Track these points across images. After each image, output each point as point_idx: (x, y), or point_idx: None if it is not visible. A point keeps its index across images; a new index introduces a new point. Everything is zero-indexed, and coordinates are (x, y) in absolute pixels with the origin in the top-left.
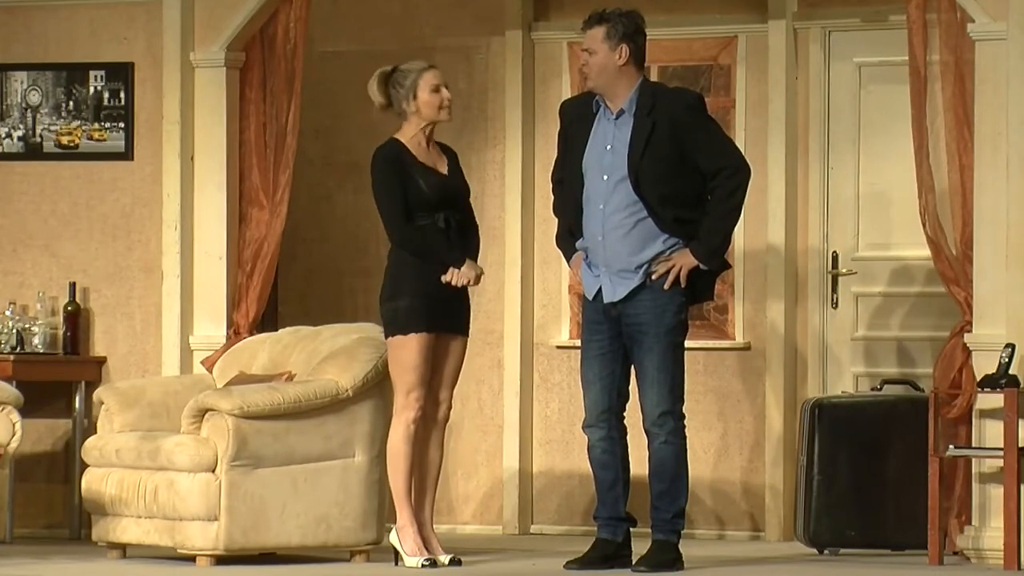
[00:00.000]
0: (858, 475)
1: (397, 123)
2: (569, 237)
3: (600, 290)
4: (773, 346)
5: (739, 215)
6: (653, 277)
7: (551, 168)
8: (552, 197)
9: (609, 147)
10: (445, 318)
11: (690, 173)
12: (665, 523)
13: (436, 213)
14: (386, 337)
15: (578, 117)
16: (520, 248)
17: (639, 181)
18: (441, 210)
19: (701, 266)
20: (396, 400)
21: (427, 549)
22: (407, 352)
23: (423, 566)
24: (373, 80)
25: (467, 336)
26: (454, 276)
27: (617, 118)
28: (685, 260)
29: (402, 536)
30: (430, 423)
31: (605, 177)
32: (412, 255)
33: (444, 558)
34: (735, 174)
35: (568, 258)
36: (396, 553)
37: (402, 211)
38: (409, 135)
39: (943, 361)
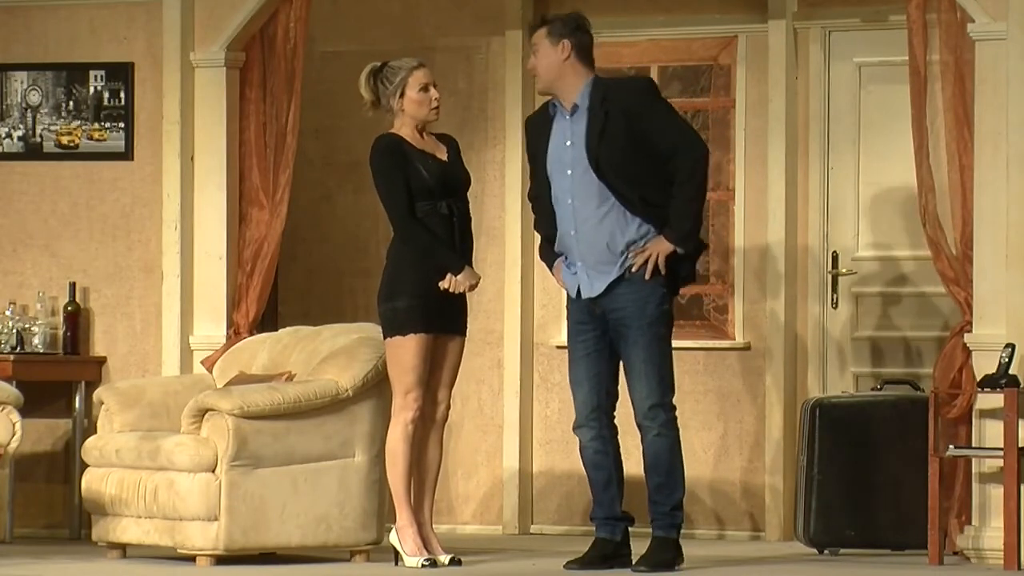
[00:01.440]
0: (858, 475)
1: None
2: (549, 247)
3: (580, 288)
4: (773, 346)
5: (704, 194)
6: (633, 270)
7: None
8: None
9: (569, 143)
10: (443, 318)
11: (649, 158)
12: (664, 516)
13: (439, 201)
14: (384, 338)
15: (539, 127)
16: (520, 248)
17: (600, 168)
18: (443, 197)
19: (677, 250)
20: (394, 400)
21: (427, 549)
22: (406, 353)
23: (423, 566)
24: (362, 75)
25: (465, 336)
26: (452, 284)
27: (572, 115)
28: (660, 247)
29: (402, 536)
30: (429, 423)
31: (569, 172)
32: (414, 251)
33: (444, 558)
34: (690, 152)
35: (551, 268)
36: (396, 553)
37: (406, 204)
38: (404, 130)
39: (943, 361)
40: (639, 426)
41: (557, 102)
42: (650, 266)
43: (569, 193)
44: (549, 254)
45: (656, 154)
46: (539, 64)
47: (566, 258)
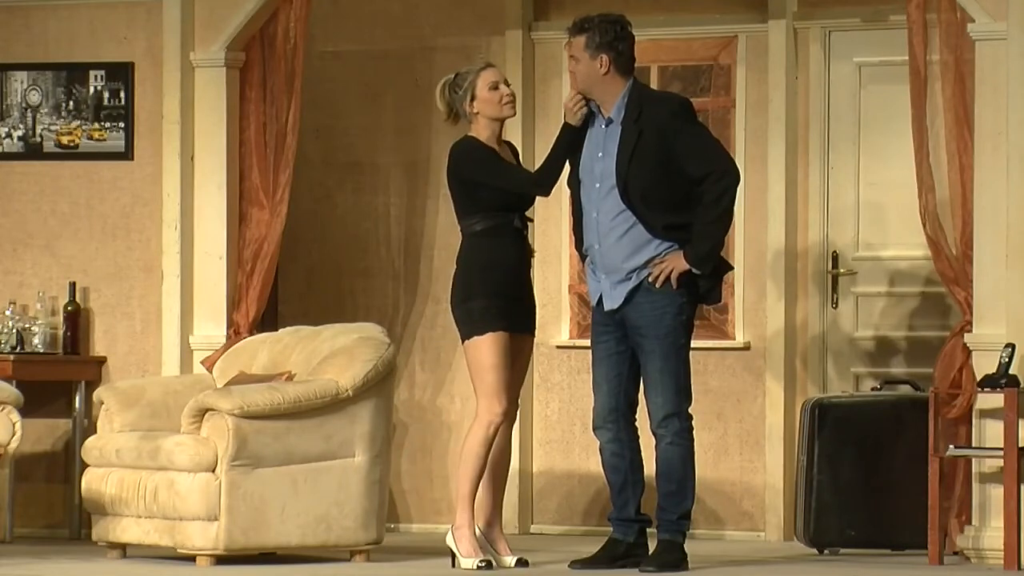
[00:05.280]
0: (858, 475)
1: (395, 124)
2: (579, 241)
3: (601, 296)
4: (773, 346)
5: (730, 219)
6: (649, 279)
7: None
8: None
9: (600, 155)
10: (518, 316)
11: (678, 179)
12: (671, 524)
13: (510, 213)
14: (463, 340)
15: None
16: None
17: (626, 189)
18: (514, 211)
19: (693, 270)
20: (480, 403)
21: (495, 550)
22: (486, 352)
23: (479, 567)
24: (436, 90)
25: (535, 335)
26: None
27: (607, 125)
28: (677, 262)
29: (458, 537)
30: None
31: (597, 185)
32: (550, 182)
33: (510, 559)
34: (721, 178)
35: (582, 259)
36: (452, 554)
37: (518, 173)
38: (483, 135)
39: (943, 361)
40: (654, 434)
41: (595, 107)
42: (661, 278)
43: (595, 206)
44: (579, 245)
45: (686, 177)
46: (577, 71)
47: (591, 262)
